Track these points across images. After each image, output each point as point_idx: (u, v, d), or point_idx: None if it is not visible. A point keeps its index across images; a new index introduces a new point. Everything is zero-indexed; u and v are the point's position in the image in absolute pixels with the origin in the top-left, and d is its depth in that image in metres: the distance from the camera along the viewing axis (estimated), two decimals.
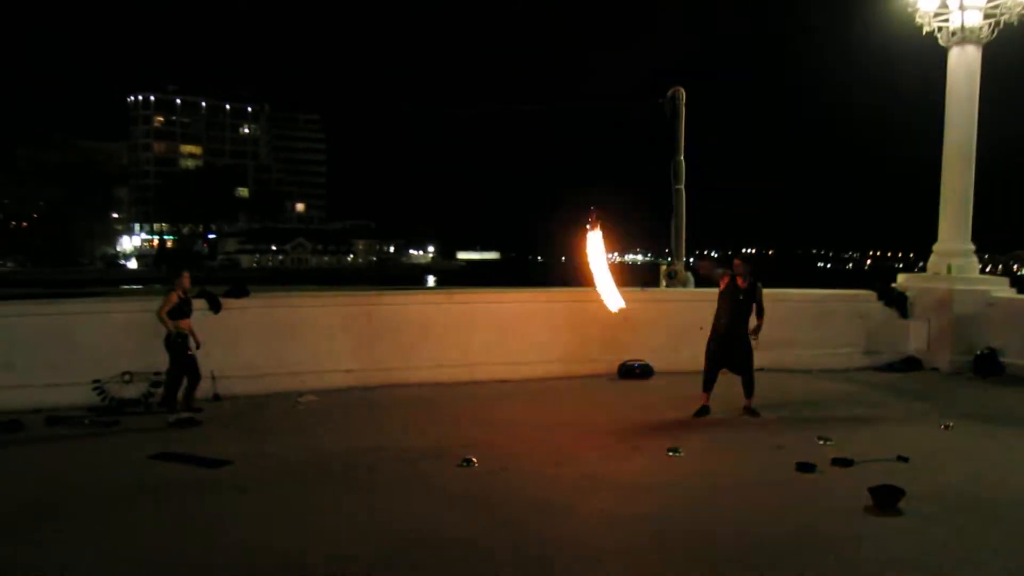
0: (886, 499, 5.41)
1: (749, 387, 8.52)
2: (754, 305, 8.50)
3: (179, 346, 8.14)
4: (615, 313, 8.50)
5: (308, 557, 4.63)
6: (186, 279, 8.41)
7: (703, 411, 8.44)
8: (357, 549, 4.77)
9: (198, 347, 8.35)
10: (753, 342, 8.51)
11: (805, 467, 6.39)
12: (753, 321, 8.52)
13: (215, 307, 9.35)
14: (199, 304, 9.49)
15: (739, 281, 8.46)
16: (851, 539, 4.91)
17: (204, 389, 9.29)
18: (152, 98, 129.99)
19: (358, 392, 9.68)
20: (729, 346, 8.45)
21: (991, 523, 5.25)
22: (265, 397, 9.33)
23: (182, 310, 8.19)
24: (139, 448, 7.10)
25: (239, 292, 9.72)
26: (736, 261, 8.55)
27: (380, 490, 5.94)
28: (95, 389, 8.78)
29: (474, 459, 6.55)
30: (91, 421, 8.21)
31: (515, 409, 8.90)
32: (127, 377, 9.00)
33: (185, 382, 8.26)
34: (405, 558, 4.63)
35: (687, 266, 11.58)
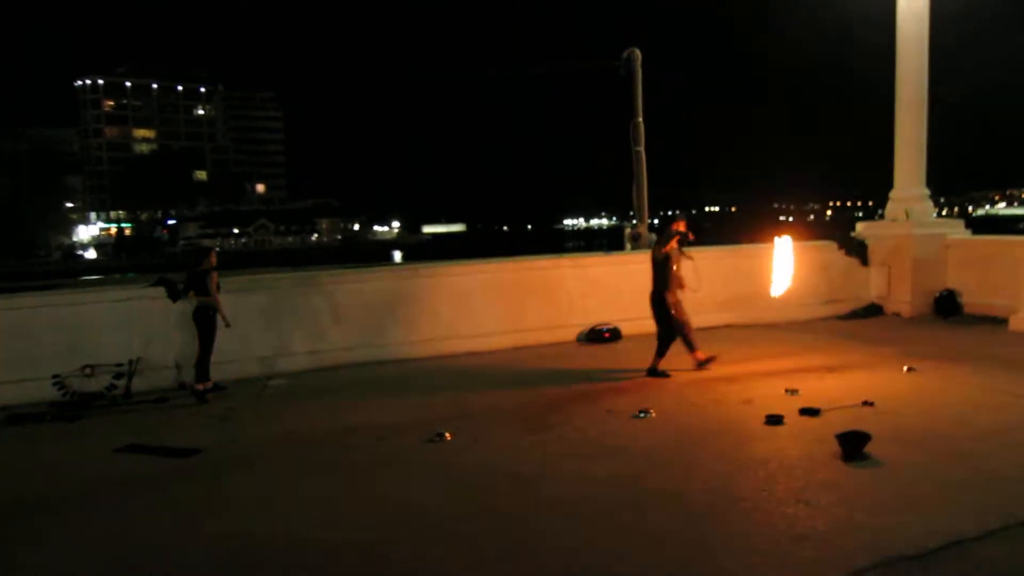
0: (853, 445, 5.50)
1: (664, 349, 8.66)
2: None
3: (211, 318, 8.64)
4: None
5: (283, 543, 4.59)
6: (213, 257, 8.92)
7: (709, 360, 8.64)
8: (332, 532, 4.73)
9: (227, 325, 8.75)
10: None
11: (774, 420, 6.47)
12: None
13: (173, 296, 9.16)
14: (158, 292, 9.33)
15: (691, 237, 8.55)
16: (819, 486, 4.99)
17: (168, 378, 9.19)
18: (100, 82, 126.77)
19: (327, 373, 9.60)
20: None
21: (957, 461, 5.38)
22: (234, 383, 9.21)
23: (219, 286, 8.80)
24: (104, 442, 6.97)
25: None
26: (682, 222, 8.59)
27: (353, 470, 5.90)
28: (55, 384, 8.58)
29: (446, 433, 6.54)
30: (52, 417, 8.02)
31: (485, 381, 8.88)
32: (88, 370, 8.80)
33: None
34: (381, 536, 4.61)
35: (650, 228, 11.60)
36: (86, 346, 8.93)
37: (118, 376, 8.85)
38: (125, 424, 7.70)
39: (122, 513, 5.25)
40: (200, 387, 8.60)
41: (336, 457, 6.22)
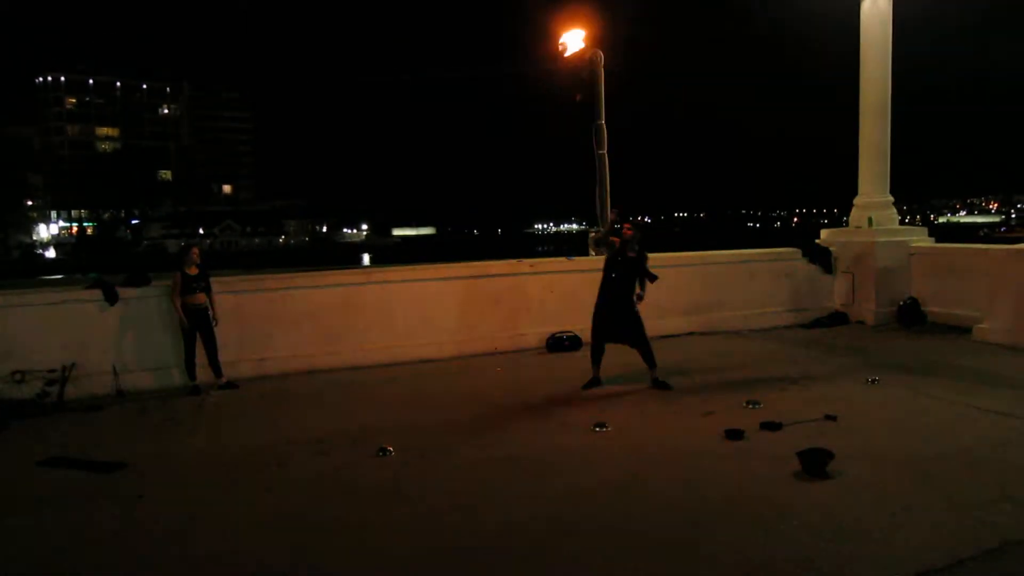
0: (814, 463, 5.25)
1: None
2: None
3: (180, 321, 8.65)
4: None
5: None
6: (194, 254, 8.74)
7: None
8: (257, 560, 4.36)
9: (215, 323, 8.80)
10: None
11: (734, 434, 6.21)
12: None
13: (110, 298, 8.71)
14: (95, 295, 8.86)
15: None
16: (779, 508, 4.72)
17: (105, 384, 8.73)
18: (62, 79, 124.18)
19: (274, 381, 9.17)
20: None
21: (921, 482, 5.14)
22: (173, 391, 8.78)
23: (188, 287, 8.57)
24: (27, 454, 6.54)
25: (138, 280, 9.06)
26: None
27: (288, 488, 5.51)
28: None
29: (390, 447, 6.18)
30: None
31: (438, 390, 8.53)
32: (18, 376, 8.34)
33: (205, 350, 8.79)
34: (310, 563, 4.25)
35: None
36: (17, 351, 8.47)
37: (50, 383, 8.40)
38: (54, 434, 7.24)
39: (26, 536, 4.81)
40: (218, 386, 8.83)
41: (271, 473, 5.82)
